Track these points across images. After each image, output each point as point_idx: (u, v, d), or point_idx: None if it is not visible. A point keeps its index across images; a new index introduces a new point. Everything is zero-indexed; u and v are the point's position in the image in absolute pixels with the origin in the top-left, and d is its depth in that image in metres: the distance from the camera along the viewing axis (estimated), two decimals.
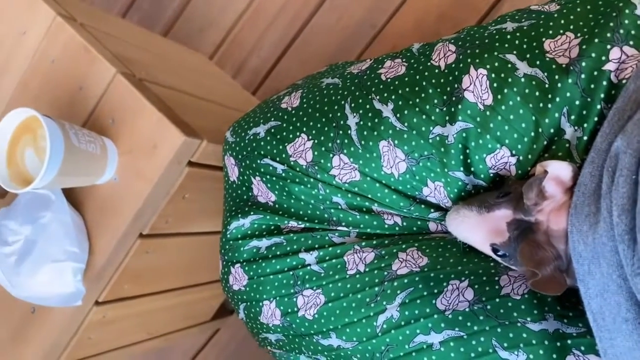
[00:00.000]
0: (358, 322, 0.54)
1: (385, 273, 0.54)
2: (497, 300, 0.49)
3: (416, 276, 0.53)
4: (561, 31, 0.48)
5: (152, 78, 0.78)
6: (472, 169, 0.51)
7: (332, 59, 1.22)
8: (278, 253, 0.59)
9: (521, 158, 0.49)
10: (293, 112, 0.58)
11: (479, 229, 0.49)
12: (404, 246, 0.55)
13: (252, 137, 0.60)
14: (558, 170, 0.46)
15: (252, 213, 0.61)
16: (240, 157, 0.61)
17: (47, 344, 0.74)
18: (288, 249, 0.58)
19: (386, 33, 1.19)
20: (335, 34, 1.23)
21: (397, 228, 0.57)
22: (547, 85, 0.47)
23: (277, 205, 0.60)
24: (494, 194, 0.49)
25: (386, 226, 0.57)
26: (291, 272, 0.58)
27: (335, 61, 1.21)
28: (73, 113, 0.73)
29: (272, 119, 0.60)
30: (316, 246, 0.57)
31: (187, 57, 1.14)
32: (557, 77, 0.47)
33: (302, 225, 0.59)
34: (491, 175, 0.51)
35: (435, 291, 0.51)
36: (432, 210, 0.55)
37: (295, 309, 0.57)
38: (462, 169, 0.51)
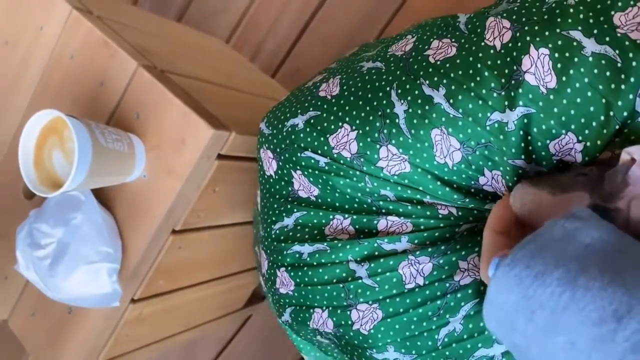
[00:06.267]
0: (419, 336, 0.52)
1: (448, 284, 0.51)
2: None
3: (482, 285, 0.50)
4: (632, 2, 0.43)
5: (174, 69, 0.76)
6: (534, 156, 0.47)
7: (353, 36, 1.18)
8: (323, 261, 0.56)
9: (588, 144, 0.45)
10: (333, 100, 0.55)
11: (551, 213, 0.44)
12: (463, 253, 0.52)
13: (290, 129, 0.57)
14: None
15: (295, 210, 0.58)
16: (278, 150, 0.58)
17: (85, 343, 0.74)
18: (333, 257, 0.55)
19: (410, 5, 1.15)
20: (355, 9, 1.18)
21: (452, 218, 0.53)
22: (619, 64, 0.43)
23: (320, 200, 0.57)
24: (567, 175, 0.45)
25: (440, 216, 0.53)
26: (341, 285, 0.55)
27: (356, 38, 1.17)
28: (96, 110, 0.71)
29: (311, 109, 0.56)
30: (365, 253, 0.54)
31: (203, 42, 1.11)
32: (631, 54, 0.42)
33: (349, 220, 0.56)
34: (554, 162, 0.47)
35: None
36: (488, 199, 0.52)
37: (350, 322, 0.55)
38: (523, 156, 0.47)
